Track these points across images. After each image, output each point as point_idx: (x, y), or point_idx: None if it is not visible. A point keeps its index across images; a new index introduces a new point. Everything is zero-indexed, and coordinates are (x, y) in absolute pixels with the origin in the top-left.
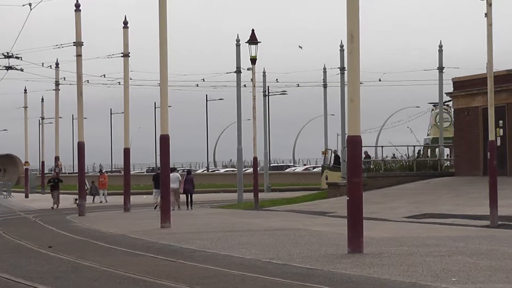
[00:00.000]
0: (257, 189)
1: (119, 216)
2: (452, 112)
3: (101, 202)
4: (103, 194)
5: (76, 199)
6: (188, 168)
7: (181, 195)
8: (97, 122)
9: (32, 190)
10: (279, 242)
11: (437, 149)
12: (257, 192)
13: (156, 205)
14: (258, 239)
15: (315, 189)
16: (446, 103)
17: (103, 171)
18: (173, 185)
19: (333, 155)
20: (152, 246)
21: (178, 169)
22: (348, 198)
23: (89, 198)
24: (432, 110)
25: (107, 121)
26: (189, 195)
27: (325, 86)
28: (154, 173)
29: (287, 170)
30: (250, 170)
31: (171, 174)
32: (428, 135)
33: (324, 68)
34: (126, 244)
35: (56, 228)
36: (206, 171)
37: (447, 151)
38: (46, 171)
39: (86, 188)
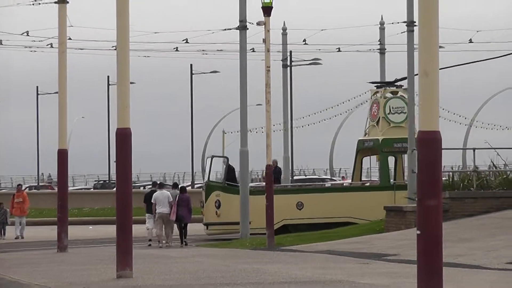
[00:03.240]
0: (272, 216)
1: (49, 258)
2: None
3: (17, 237)
4: (20, 224)
5: None
6: (177, 182)
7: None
8: (15, 107)
9: None
10: None
11: None
12: (272, 221)
13: (150, 240)
14: None
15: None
16: (393, 83)
17: (22, 187)
18: (162, 209)
19: (222, 164)
20: None
21: (143, 185)
22: (418, 232)
23: None
24: (375, 94)
25: (31, 106)
26: (183, 224)
27: (382, 51)
28: (148, 190)
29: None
30: (260, 185)
31: (157, 193)
32: (365, 134)
33: (381, 23)
34: None
35: None
36: (190, 187)
37: None
38: None
39: None
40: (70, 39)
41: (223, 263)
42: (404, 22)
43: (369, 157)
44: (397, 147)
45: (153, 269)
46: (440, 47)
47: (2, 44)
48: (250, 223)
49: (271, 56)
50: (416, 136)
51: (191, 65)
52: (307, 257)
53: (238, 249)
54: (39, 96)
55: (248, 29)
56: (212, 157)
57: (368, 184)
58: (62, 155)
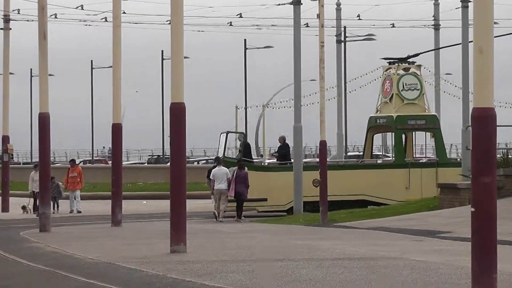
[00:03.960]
0: (326, 193)
1: (103, 233)
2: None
3: (71, 211)
4: (74, 198)
5: (23, 207)
6: (237, 158)
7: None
8: (71, 81)
9: None
10: (360, 280)
11: None
12: (325, 198)
13: (217, 214)
14: (326, 273)
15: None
16: (406, 59)
17: (76, 161)
18: (219, 185)
19: (238, 140)
20: (157, 283)
21: (197, 160)
22: (473, 209)
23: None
24: (388, 70)
25: (85, 80)
26: (241, 200)
27: (436, 27)
28: (212, 166)
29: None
30: (314, 160)
31: (216, 169)
32: (377, 110)
33: None
34: (115, 279)
35: (3, 252)
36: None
37: None
38: None
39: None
40: (124, 13)
41: (276, 239)
42: None
43: (381, 134)
44: (411, 124)
45: (207, 245)
46: (495, 23)
47: (57, 17)
48: (266, 200)
49: (325, 32)
50: (471, 113)
51: (245, 40)
52: (360, 234)
53: (291, 225)
54: (93, 70)
55: (302, 4)
56: (228, 132)
57: (423, 160)
58: (117, 130)
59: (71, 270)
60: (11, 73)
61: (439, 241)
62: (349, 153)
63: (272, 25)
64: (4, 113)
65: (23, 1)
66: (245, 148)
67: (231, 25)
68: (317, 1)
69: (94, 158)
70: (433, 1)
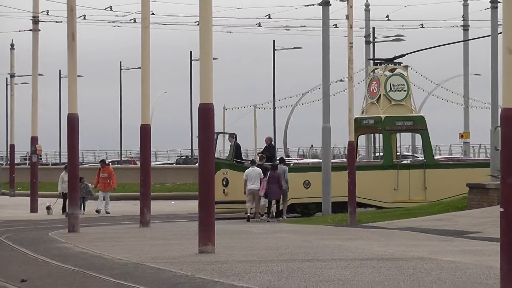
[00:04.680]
0: (354, 194)
1: (132, 233)
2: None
3: (97, 210)
4: (104, 199)
5: (48, 207)
6: (254, 159)
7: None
8: (99, 82)
9: None
10: (389, 281)
11: None
12: (354, 198)
13: (254, 214)
14: (354, 274)
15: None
16: (392, 60)
17: (107, 162)
18: (253, 185)
19: (229, 141)
20: (185, 283)
21: None
22: (501, 209)
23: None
24: (373, 71)
25: (114, 82)
26: (273, 200)
27: (465, 28)
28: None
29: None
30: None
31: (250, 169)
32: (363, 111)
33: None
34: (143, 279)
35: (33, 252)
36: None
37: None
38: (17, 160)
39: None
40: (153, 14)
41: (305, 239)
42: None
43: (366, 135)
44: (399, 125)
45: (235, 245)
46: None
47: (85, 19)
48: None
49: (354, 32)
50: (500, 113)
51: (273, 41)
52: (389, 234)
53: (320, 225)
54: (122, 71)
55: (331, 5)
56: (217, 133)
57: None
58: (145, 130)
59: (100, 270)
60: (40, 75)
61: (468, 241)
62: (377, 154)
63: (301, 26)
64: (33, 114)
65: (52, 2)
66: (236, 149)
67: (260, 26)
68: (346, 2)
69: (123, 158)
70: (462, 2)
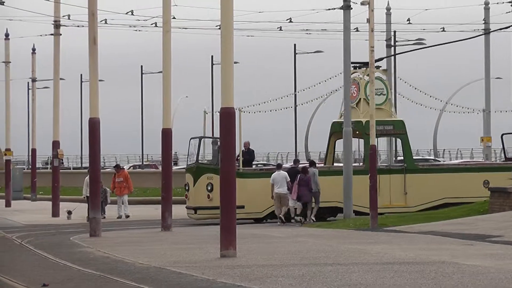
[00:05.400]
0: (376, 198)
1: (153, 237)
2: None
3: (120, 216)
4: (122, 203)
5: (69, 212)
6: (280, 163)
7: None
8: (120, 86)
9: (16, 194)
10: (410, 285)
11: None
12: (375, 202)
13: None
14: (376, 278)
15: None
16: (365, 64)
17: (121, 166)
18: (279, 189)
19: (213, 145)
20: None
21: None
22: None
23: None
24: (353, 74)
25: (135, 86)
26: (306, 203)
27: (487, 31)
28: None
29: None
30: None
31: (275, 173)
32: (341, 115)
33: (486, 2)
34: (165, 284)
35: (54, 256)
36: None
37: None
38: (38, 164)
39: (84, 196)
40: (174, 18)
41: (326, 243)
42: (509, 2)
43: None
44: (380, 129)
45: (257, 249)
46: None
47: (106, 23)
48: (243, 207)
49: (375, 36)
50: None
51: (294, 44)
52: (410, 238)
53: (342, 229)
54: (143, 75)
55: (352, 8)
56: (201, 138)
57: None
58: (167, 134)
59: (121, 274)
60: (61, 79)
61: (490, 245)
62: (399, 158)
63: (322, 29)
64: (55, 119)
65: (73, 6)
66: (219, 153)
67: (281, 29)
68: (367, 6)
69: (144, 163)
70: (484, 5)
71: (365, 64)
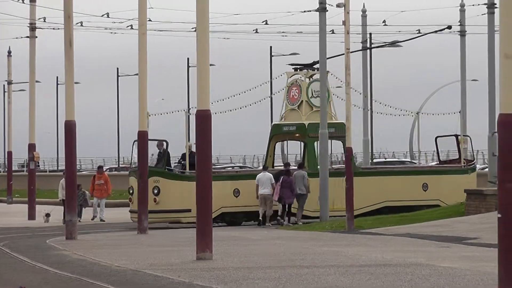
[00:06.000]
0: (352, 200)
1: (129, 240)
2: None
3: (93, 218)
4: (98, 206)
5: (47, 214)
6: (267, 166)
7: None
8: (96, 89)
9: None
10: (387, 287)
11: None
12: (351, 204)
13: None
14: (352, 280)
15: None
16: (312, 65)
17: (103, 168)
18: (264, 190)
19: (161, 147)
20: None
21: (224, 167)
22: (499, 215)
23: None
24: (292, 76)
25: (111, 88)
26: (286, 204)
27: (462, 33)
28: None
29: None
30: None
31: (261, 174)
32: (282, 118)
33: (461, 5)
34: (141, 286)
35: (30, 259)
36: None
37: None
38: (14, 166)
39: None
40: (150, 20)
41: (303, 245)
42: (485, 4)
43: (284, 142)
44: None
45: (233, 252)
46: None
47: (82, 25)
48: (190, 211)
49: (351, 38)
50: (497, 119)
51: (270, 47)
52: (387, 240)
53: (318, 231)
54: (119, 78)
55: (327, 11)
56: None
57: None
58: (143, 137)
59: (98, 277)
60: (37, 81)
61: (466, 247)
62: (375, 160)
63: (298, 32)
64: (31, 121)
65: (49, 9)
66: (167, 157)
67: (256, 32)
68: (343, 8)
69: (120, 165)
70: (459, 7)
71: (305, 66)
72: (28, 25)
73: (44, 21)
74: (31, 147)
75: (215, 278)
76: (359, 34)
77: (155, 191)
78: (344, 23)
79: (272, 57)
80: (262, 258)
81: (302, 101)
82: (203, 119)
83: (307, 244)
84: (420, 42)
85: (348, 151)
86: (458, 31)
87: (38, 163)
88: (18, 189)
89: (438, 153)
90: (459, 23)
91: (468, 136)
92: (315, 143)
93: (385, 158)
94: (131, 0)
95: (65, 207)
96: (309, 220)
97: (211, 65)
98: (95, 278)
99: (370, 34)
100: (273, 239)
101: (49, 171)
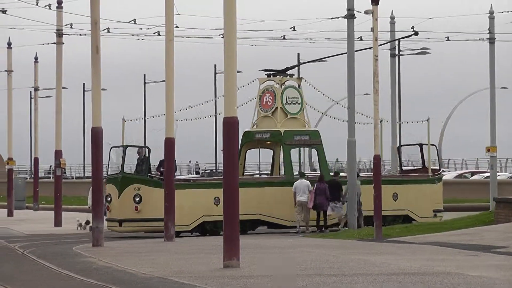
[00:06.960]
0: (380, 208)
1: (156, 248)
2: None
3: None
4: None
5: (81, 223)
6: (302, 171)
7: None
8: (123, 96)
9: (18, 203)
10: None
11: None
12: (379, 212)
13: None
14: None
15: (479, 208)
16: (285, 71)
17: None
18: (301, 197)
19: (141, 154)
20: None
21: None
22: None
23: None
24: (265, 82)
25: (138, 95)
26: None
27: (491, 40)
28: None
29: None
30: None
31: (298, 181)
32: (254, 125)
33: (491, 12)
34: None
35: (56, 266)
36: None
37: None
38: (41, 173)
39: (89, 206)
40: (177, 27)
41: (331, 253)
42: None
43: (257, 149)
44: (297, 139)
45: (260, 259)
46: None
47: (109, 32)
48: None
49: (379, 45)
50: None
51: (298, 53)
52: (415, 249)
53: (346, 240)
54: (146, 84)
55: (355, 17)
56: (126, 146)
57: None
58: (169, 144)
59: (123, 285)
60: (64, 88)
61: (495, 256)
62: (404, 168)
63: (326, 38)
64: (57, 128)
65: (76, 15)
66: (147, 163)
67: (284, 38)
68: (371, 15)
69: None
70: (488, 15)
71: (279, 72)
72: (55, 31)
73: (71, 27)
74: (58, 154)
75: (242, 286)
76: (387, 41)
77: (137, 199)
78: (372, 30)
79: (300, 65)
80: (289, 266)
81: (276, 107)
82: (230, 126)
83: (335, 252)
84: (449, 49)
85: (376, 159)
86: (487, 39)
87: (65, 170)
88: (45, 195)
89: (400, 162)
90: (488, 31)
91: (434, 145)
92: (291, 150)
93: (414, 166)
94: (158, 7)
95: (92, 214)
96: (289, 230)
97: (238, 72)
98: (121, 285)
99: (399, 40)
100: (300, 247)
101: (75, 178)
